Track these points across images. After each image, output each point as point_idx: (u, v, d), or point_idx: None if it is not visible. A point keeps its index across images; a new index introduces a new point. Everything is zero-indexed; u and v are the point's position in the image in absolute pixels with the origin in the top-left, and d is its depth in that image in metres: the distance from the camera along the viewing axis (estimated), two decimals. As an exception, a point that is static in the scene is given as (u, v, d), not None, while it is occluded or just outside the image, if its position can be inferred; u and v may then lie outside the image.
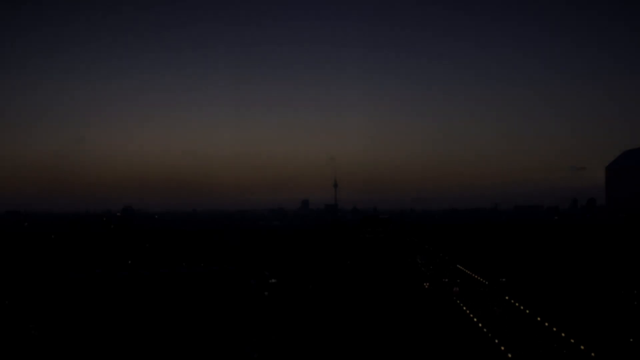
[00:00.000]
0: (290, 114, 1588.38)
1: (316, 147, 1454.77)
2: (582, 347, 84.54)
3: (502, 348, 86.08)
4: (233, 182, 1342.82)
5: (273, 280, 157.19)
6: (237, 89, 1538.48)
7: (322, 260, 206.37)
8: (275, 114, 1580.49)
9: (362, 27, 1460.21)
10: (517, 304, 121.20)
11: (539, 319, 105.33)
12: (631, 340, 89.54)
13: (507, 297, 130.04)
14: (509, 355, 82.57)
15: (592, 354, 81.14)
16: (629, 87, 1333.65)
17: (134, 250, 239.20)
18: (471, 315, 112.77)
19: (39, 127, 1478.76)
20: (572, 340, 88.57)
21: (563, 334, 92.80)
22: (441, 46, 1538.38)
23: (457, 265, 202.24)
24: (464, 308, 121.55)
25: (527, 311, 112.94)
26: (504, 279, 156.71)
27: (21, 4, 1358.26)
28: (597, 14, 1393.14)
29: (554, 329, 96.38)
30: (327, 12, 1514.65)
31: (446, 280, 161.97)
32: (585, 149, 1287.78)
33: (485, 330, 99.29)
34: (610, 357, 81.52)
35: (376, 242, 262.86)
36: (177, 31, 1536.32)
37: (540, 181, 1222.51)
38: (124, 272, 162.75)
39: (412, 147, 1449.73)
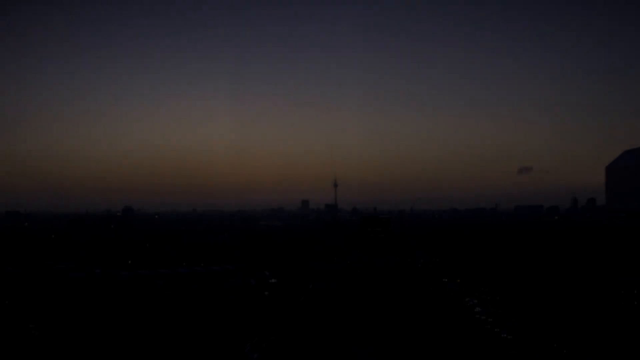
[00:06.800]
0: (290, 113, 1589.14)
1: (316, 147, 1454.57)
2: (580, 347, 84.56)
3: (505, 345, 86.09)
4: (233, 182, 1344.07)
5: (273, 280, 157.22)
6: (237, 89, 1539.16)
7: (321, 260, 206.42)
8: (276, 114, 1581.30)
9: (363, 27, 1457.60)
10: (516, 303, 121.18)
11: (539, 318, 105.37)
12: (631, 340, 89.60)
13: (507, 297, 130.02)
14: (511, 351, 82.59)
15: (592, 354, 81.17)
16: (629, 87, 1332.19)
17: (134, 250, 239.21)
18: (472, 315, 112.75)
19: (39, 127, 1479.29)
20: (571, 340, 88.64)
21: (563, 334, 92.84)
22: (442, 46, 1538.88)
23: (457, 265, 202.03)
24: (465, 308, 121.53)
25: (527, 310, 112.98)
26: (503, 279, 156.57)
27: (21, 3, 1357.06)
28: (597, 13, 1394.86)
29: (554, 329, 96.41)
30: (328, 11, 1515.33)
31: (446, 280, 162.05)
32: (585, 149, 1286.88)
33: (486, 328, 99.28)
34: (610, 357, 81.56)
35: (376, 242, 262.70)
36: (177, 31, 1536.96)
37: (539, 181, 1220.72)
38: (124, 272, 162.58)
39: (412, 147, 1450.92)
